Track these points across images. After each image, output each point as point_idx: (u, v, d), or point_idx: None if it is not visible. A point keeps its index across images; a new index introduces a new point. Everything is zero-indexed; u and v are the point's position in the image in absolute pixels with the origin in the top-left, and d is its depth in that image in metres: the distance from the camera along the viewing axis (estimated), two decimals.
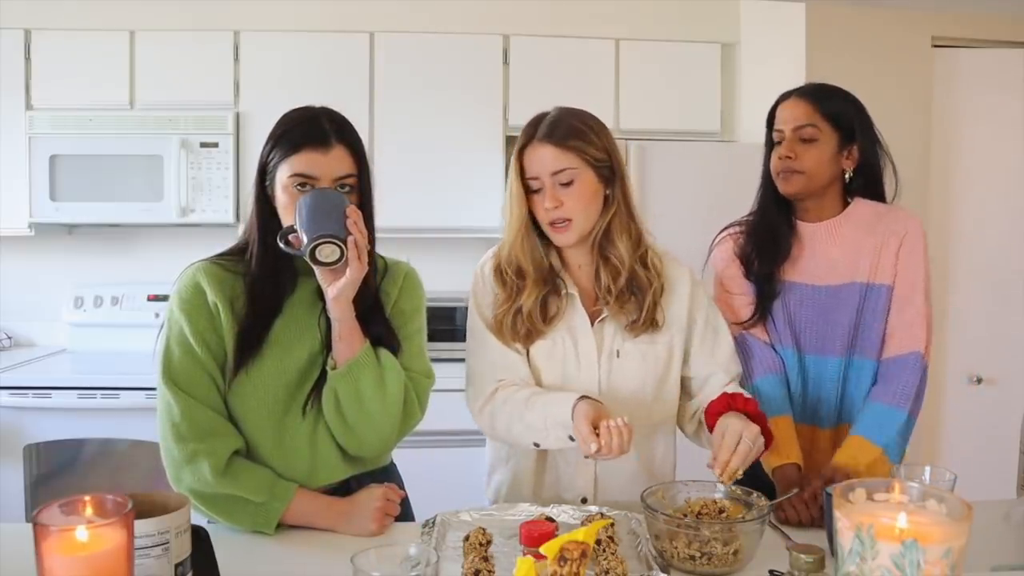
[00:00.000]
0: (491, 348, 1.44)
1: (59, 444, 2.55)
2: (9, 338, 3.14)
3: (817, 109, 1.55)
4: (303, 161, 1.24)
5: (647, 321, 1.41)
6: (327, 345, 1.30)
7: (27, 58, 2.84)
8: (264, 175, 1.29)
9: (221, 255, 1.35)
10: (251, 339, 1.28)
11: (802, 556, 0.91)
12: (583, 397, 1.31)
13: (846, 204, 1.60)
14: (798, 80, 2.88)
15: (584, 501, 1.43)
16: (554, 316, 1.42)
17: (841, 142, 1.55)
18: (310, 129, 1.26)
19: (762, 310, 1.60)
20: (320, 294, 1.30)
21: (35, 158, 2.80)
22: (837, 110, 1.56)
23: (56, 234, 3.11)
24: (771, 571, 1.11)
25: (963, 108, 3.27)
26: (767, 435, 1.30)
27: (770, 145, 1.62)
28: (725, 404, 1.32)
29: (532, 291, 1.41)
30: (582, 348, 1.43)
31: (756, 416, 1.31)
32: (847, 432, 1.51)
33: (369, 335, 1.30)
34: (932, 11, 3.24)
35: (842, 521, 0.73)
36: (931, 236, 3.19)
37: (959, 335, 3.28)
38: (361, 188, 1.29)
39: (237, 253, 1.34)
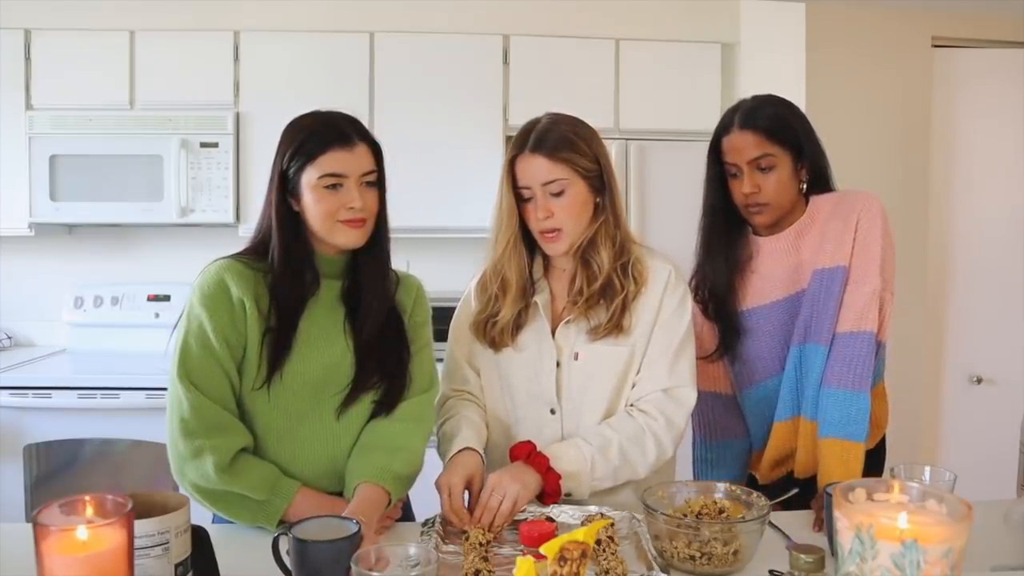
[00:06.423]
0: (452, 356, 1.54)
1: (59, 444, 2.55)
2: (9, 338, 3.13)
3: (766, 136, 1.51)
4: (331, 161, 1.28)
5: (612, 326, 1.41)
6: (353, 351, 1.34)
7: (27, 58, 2.84)
8: (284, 183, 1.31)
9: (240, 254, 1.35)
10: (284, 340, 1.29)
11: (802, 556, 0.91)
12: (468, 449, 1.37)
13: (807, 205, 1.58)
14: (798, 80, 2.90)
15: None
16: (522, 327, 1.47)
17: (795, 158, 1.53)
18: (332, 131, 1.30)
19: (725, 347, 1.63)
20: (342, 297, 1.36)
21: (35, 158, 2.80)
22: (784, 129, 1.52)
23: (56, 234, 3.10)
24: (771, 571, 1.11)
25: (963, 108, 3.26)
26: (552, 489, 1.32)
27: (719, 178, 1.59)
28: (524, 452, 1.36)
29: (510, 305, 1.45)
30: (543, 355, 1.45)
31: (546, 472, 1.33)
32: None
33: (389, 351, 1.36)
34: (932, 11, 3.24)
35: (842, 521, 0.73)
36: (931, 236, 3.24)
37: (959, 335, 3.28)
38: (380, 184, 1.34)
39: (254, 253, 1.34)
